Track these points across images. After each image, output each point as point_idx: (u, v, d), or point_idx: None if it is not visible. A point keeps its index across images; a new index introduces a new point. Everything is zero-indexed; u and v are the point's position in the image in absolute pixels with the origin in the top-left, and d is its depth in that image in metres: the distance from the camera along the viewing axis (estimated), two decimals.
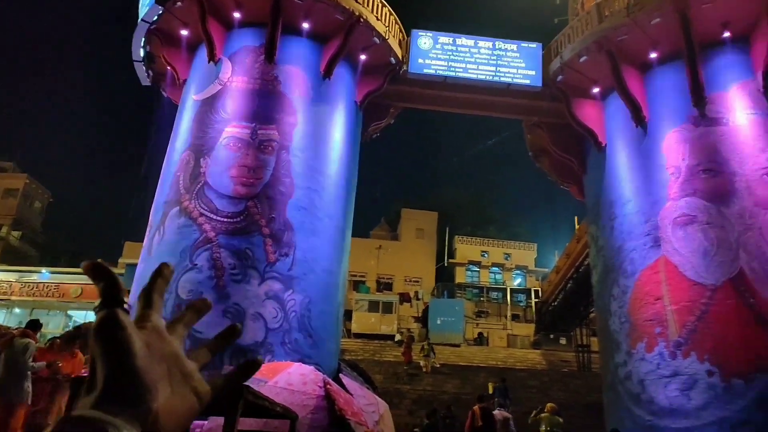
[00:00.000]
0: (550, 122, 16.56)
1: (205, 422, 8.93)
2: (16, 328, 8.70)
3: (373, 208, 48.28)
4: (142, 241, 13.24)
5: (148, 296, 0.55)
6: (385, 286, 37.44)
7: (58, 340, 7.92)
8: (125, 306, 0.50)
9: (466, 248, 42.24)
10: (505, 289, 39.58)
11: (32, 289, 23.20)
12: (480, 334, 31.11)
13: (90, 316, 26.09)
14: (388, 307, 28.94)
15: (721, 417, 10.47)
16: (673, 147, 13.20)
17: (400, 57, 15.75)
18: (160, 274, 0.56)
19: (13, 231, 34.57)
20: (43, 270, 24.65)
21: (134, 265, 21.29)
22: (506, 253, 42.85)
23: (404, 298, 33.68)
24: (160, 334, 0.53)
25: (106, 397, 0.45)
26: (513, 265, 42.35)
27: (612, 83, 14.39)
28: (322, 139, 13.70)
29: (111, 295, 0.50)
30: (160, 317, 0.54)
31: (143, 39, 14.86)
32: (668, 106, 13.69)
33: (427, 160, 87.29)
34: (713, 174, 12.42)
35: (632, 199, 13.67)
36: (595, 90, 15.30)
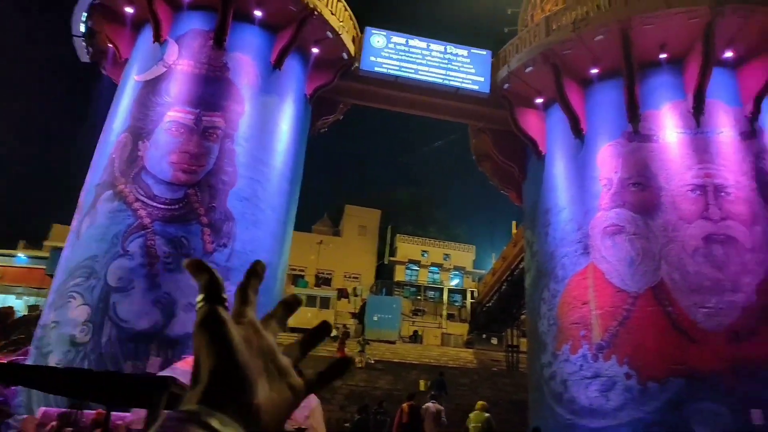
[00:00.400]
0: (495, 128, 16.95)
1: (128, 414, 8.60)
2: None
3: (317, 202, 47.83)
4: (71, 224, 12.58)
5: (244, 293, 0.55)
6: (324, 281, 37.27)
7: None
8: (225, 303, 0.51)
9: (407, 247, 42.66)
10: (443, 289, 40.25)
11: None
12: (415, 332, 31.49)
13: (8, 300, 24.47)
14: (325, 303, 28.85)
15: (636, 418, 11.04)
16: (607, 160, 13.80)
17: (353, 53, 15.68)
18: (255, 271, 0.56)
19: None
20: None
21: (60, 249, 20.32)
22: (446, 254, 43.58)
23: (342, 293, 33.64)
24: (256, 330, 0.53)
25: (210, 391, 0.45)
26: (451, 266, 43.12)
27: (555, 95, 14.88)
28: (269, 130, 13.46)
29: (212, 291, 0.50)
30: (255, 313, 0.54)
31: (84, 14, 14.09)
32: (605, 120, 14.29)
33: (373, 158, 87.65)
34: (642, 188, 13.07)
35: (567, 208, 14.19)
36: (539, 100, 15.78)
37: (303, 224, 36.55)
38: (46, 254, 25.16)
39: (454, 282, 42.61)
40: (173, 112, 12.44)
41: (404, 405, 11.89)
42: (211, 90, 12.90)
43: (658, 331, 11.60)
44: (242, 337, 0.50)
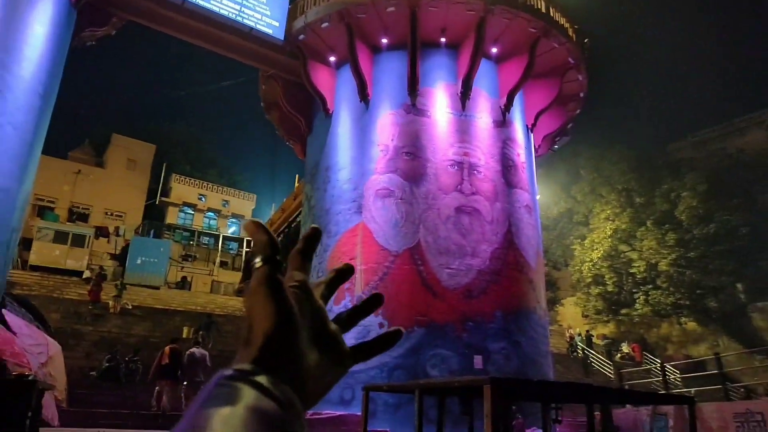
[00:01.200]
0: (286, 78, 16.59)
1: None
2: None
3: (76, 126, 41.57)
4: None
5: (299, 257, 0.54)
6: (79, 216, 32.90)
7: None
8: (281, 266, 0.50)
9: (182, 188, 39.98)
10: (218, 236, 38.95)
11: None
12: (184, 278, 29.99)
13: None
14: (79, 240, 25.58)
15: (382, 362, 12.20)
16: (386, 127, 14.60)
17: None
18: (312, 236, 0.55)
19: None
20: None
21: None
22: (224, 200, 42.08)
23: (102, 232, 30.21)
24: (309, 295, 0.52)
25: (264, 353, 0.45)
26: (230, 213, 41.88)
27: (346, 56, 15.12)
28: (17, 30, 11.02)
29: (271, 252, 0.50)
30: (308, 278, 0.52)
31: None
32: (388, 89, 15.03)
33: (152, 88, 79.11)
34: (413, 157, 14.17)
35: (346, 167, 14.71)
36: (332, 58, 15.86)
37: (57, 149, 31.60)
38: None
39: (232, 230, 41.54)
40: None
41: (166, 348, 11.58)
42: None
43: (410, 287, 12.88)
44: (295, 302, 0.49)
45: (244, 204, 43.27)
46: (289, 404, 0.41)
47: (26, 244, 23.30)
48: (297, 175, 29.95)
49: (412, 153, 14.18)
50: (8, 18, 10.86)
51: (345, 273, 0.61)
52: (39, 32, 11.55)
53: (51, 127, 12.74)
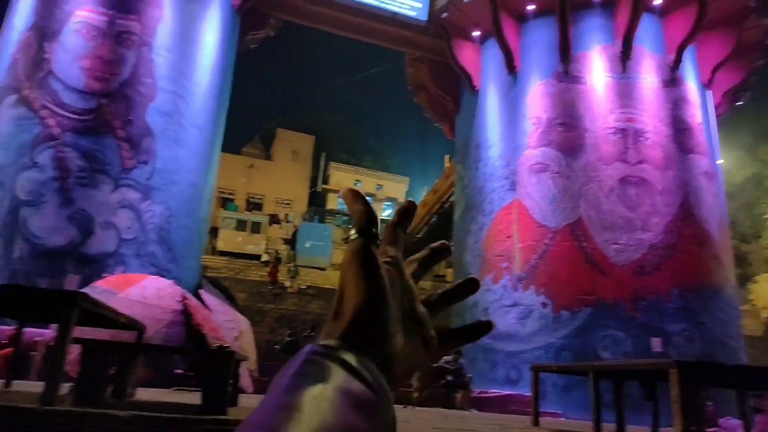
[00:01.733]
0: (432, 59, 16.54)
1: (46, 330, 8.18)
2: None
3: (247, 123, 45.73)
4: None
5: (393, 231, 0.51)
6: (254, 206, 36.47)
7: None
8: (377, 240, 0.47)
9: (340, 175, 42.27)
10: None
11: None
12: None
13: None
14: (256, 227, 28.34)
15: (548, 342, 11.74)
16: (537, 99, 13.85)
17: None
18: (407, 210, 0.51)
19: None
20: None
21: None
22: (379, 184, 43.63)
23: (274, 219, 33.15)
24: (401, 272, 0.48)
25: (352, 329, 0.42)
26: (384, 197, 43.35)
27: (491, 29, 14.58)
28: (192, 40, 12.39)
29: (368, 223, 0.46)
30: (401, 254, 0.49)
31: None
32: (538, 59, 14.22)
33: (308, 81, 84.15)
34: (567, 128, 13.28)
35: (497, 144, 14.28)
36: (476, 33, 15.43)
37: (232, 146, 35.13)
38: None
39: (386, 213, 43.02)
40: (82, 11, 11.09)
41: None
42: None
43: (573, 264, 12.17)
44: (387, 278, 0.45)
45: (397, 187, 44.47)
46: (378, 387, 0.38)
47: (213, 232, 26.40)
48: (447, 156, 29.94)
49: (566, 124, 13.30)
50: (185, 32, 12.23)
51: (440, 252, 0.56)
52: (210, 41, 12.85)
53: (226, 126, 14.18)
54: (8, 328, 8.15)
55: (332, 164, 42.51)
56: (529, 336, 12.02)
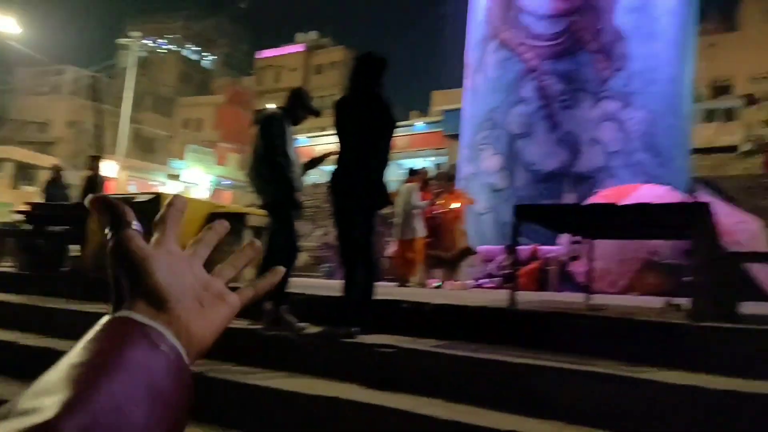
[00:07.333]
0: None
1: (555, 247, 8.75)
2: None
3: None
4: (448, 89, 13.06)
5: (161, 224, 0.49)
6: (720, 90, 30.66)
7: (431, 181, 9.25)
8: (134, 227, 0.45)
9: None
10: None
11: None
12: None
13: (418, 162, 28.33)
14: (727, 114, 24.00)
15: None
16: None
17: None
18: (172, 204, 0.50)
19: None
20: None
21: (451, 111, 22.19)
22: None
23: (751, 100, 27.20)
24: (179, 258, 0.47)
25: (138, 305, 0.42)
26: None
27: None
28: None
29: (118, 221, 0.45)
30: (175, 244, 0.47)
31: None
32: None
33: None
34: None
35: None
36: None
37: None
38: (438, 118, 27.83)
39: None
40: None
41: None
42: None
43: None
44: (164, 261, 0.45)
45: None
46: None
47: None
48: None
49: None
50: None
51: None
52: None
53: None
54: (527, 248, 9.04)
55: None
56: None
